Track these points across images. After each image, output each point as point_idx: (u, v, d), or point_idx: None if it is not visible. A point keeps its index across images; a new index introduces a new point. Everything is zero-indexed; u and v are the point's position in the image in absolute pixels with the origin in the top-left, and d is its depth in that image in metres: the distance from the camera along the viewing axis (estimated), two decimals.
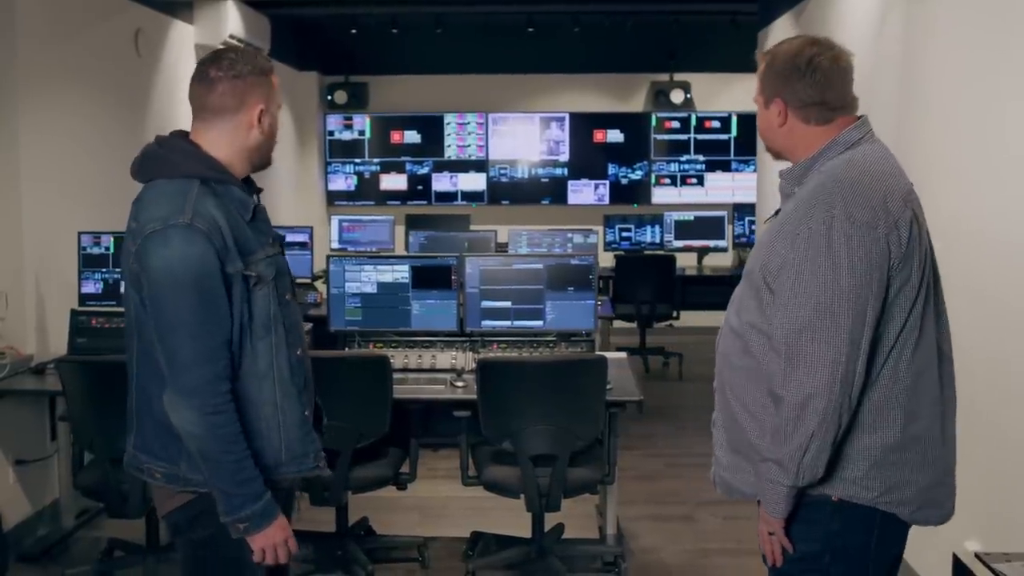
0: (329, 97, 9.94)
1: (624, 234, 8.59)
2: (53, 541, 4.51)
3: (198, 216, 2.13)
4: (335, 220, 8.33)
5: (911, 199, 2.14)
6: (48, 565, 4.31)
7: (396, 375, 4.08)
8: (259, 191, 2.41)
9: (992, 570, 1.98)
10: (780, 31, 6.44)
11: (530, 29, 9.00)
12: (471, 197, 9.99)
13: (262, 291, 2.24)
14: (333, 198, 10.06)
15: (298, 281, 6.55)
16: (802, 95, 2.18)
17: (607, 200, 9.90)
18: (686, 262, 8.65)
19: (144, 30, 5.86)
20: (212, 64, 2.28)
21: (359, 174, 10.06)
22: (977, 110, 3.50)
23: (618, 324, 8.25)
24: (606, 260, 8.34)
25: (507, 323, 4.43)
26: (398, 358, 4.30)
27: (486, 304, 4.42)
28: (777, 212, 2.28)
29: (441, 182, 10.03)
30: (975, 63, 3.53)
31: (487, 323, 4.42)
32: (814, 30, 5.71)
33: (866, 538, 2.17)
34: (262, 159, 2.37)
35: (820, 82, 2.17)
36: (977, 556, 2.04)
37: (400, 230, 8.17)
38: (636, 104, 10.03)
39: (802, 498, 2.13)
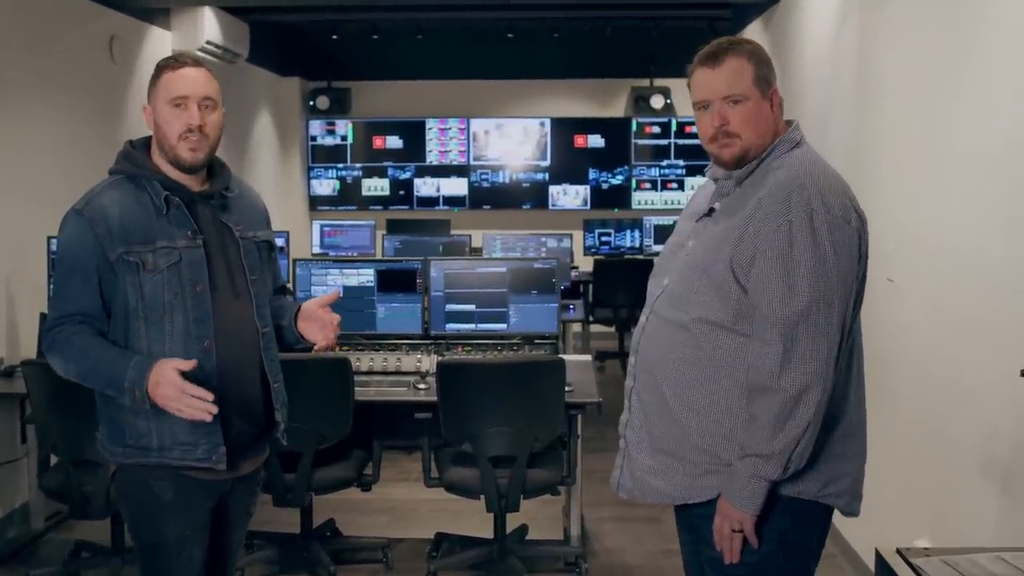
0: (311, 102, 9.97)
1: (604, 239, 8.63)
2: (23, 543, 4.54)
3: (89, 205, 2.39)
4: (316, 225, 8.38)
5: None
6: (16, 567, 4.33)
7: (361, 378, 4.13)
8: (224, 188, 2.51)
9: (911, 565, 2.01)
10: (751, 36, 6.49)
11: (510, 35, 9.06)
12: (453, 202, 10.03)
13: (154, 278, 2.37)
14: (316, 203, 10.09)
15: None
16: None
17: (588, 205, 9.95)
18: None
19: (119, 37, 5.89)
20: None
21: (342, 179, 10.10)
22: (926, 113, 3.55)
23: (597, 328, 8.29)
24: (586, 264, 8.40)
25: (471, 326, 4.47)
26: (363, 361, 4.35)
27: (451, 307, 4.46)
28: (711, 211, 2.23)
29: (423, 187, 10.08)
30: (924, 66, 3.58)
31: (451, 326, 4.46)
32: (781, 34, 5.78)
33: (812, 534, 2.20)
34: (168, 156, 2.43)
35: None
36: (898, 551, 2.07)
37: (382, 235, 8.21)
38: (617, 109, 10.08)
39: None
